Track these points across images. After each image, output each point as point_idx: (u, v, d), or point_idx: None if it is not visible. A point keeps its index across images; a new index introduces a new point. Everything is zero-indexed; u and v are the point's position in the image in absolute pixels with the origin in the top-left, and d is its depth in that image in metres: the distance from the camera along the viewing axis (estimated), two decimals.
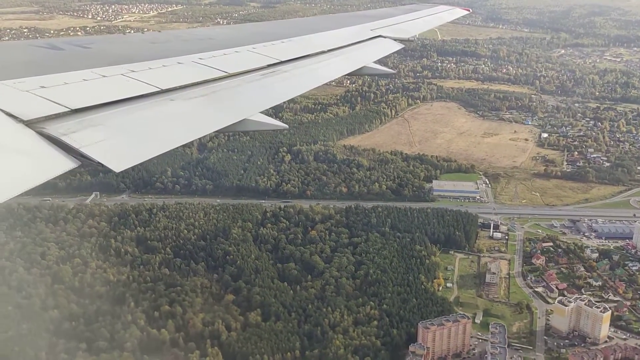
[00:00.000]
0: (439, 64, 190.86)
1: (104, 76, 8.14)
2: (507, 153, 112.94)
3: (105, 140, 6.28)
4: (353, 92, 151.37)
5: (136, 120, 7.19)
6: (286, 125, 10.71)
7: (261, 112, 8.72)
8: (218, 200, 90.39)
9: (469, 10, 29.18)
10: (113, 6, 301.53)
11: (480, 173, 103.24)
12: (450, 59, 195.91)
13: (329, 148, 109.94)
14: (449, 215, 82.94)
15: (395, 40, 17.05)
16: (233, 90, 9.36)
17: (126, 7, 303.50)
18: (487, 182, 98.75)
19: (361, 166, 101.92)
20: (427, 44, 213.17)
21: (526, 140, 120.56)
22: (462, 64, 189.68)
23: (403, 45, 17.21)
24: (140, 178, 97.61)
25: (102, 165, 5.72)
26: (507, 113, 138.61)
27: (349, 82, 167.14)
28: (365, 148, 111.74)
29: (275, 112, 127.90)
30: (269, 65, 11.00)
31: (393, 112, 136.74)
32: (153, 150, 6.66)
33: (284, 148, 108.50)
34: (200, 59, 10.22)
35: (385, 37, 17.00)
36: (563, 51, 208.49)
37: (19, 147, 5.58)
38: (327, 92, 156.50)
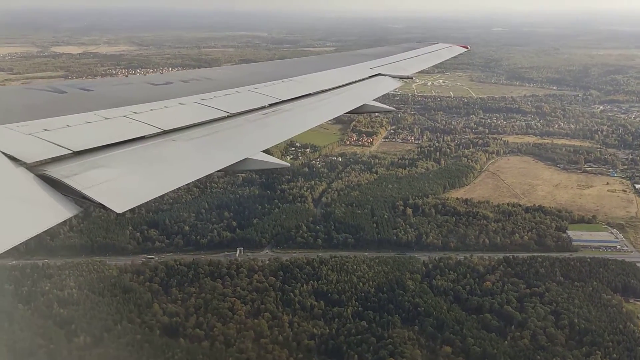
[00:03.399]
0: (488, 120, 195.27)
1: (107, 118, 8.29)
2: (615, 204, 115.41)
3: (107, 182, 6.31)
4: (429, 148, 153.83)
5: (138, 161, 7.26)
6: (288, 164, 11.16)
7: (263, 151, 8.94)
8: (366, 254, 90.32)
9: (467, 48, 29.31)
10: (138, 70, 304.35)
11: (603, 223, 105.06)
12: (498, 115, 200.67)
13: (444, 201, 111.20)
14: (612, 264, 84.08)
15: (394, 78, 17.65)
16: (235, 130, 9.47)
17: (151, 70, 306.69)
18: (618, 232, 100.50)
19: (487, 218, 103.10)
20: (467, 102, 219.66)
21: (624, 191, 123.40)
22: (511, 120, 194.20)
23: (402, 83, 17.87)
24: (279, 233, 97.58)
25: (104, 206, 5.77)
26: (586, 166, 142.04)
27: (413, 138, 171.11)
28: (479, 200, 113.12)
29: (367, 168, 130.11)
30: (271, 105, 11.30)
31: (478, 166, 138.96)
32: (156, 190, 6.71)
33: (400, 202, 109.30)
34: (202, 99, 10.46)
35: (384, 75, 17.60)
36: (602, 107, 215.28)
37: (20, 192, 5.57)
38: (398, 148, 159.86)
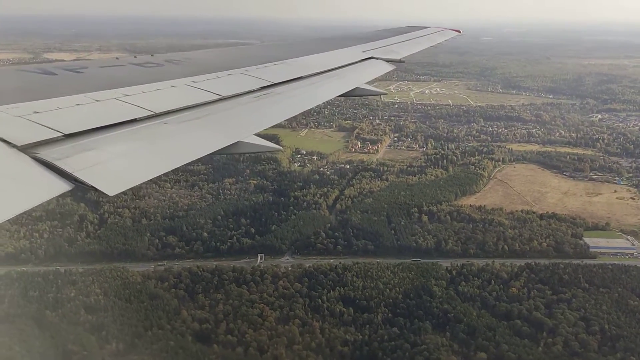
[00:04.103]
0: (490, 128, 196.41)
1: (97, 100, 8.25)
2: (625, 211, 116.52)
3: (99, 165, 6.31)
4: (435, 155, 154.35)
5: (130, 144, 7.26)
6: (280, 147, 11.18)
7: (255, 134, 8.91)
8: (379, 260, 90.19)
9: (459, 32, 29.17)
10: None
11: (617, 230, 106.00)
12: (499, 123, 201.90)
13: (458, 208, 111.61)
14: (633, 270, 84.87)
15: (387, 61, 17.80)
16: (227, 113, 9.45)
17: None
18: (633, 239, 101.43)
19: (503, 225, 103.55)
20: (467, 110, 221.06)
21: (632, 199, 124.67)
22: (512, 128, 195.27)
23: (395, 67, 17.98)
24: (298, 239, 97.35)
25: (96, 189, 5.79)
26: (592, 174, 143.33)
27: (417, 145, 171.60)
28: (492, 208, 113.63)
29: (377, 175, 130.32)
30: (263, 88, 11.31)
31: (486, 173, 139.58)
32: (148, 173, 6.71)
33: (415, 209, 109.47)
34: (194, 82, 10.46)
35: (377, 58, 17.71)
36: (600, 116, 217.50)
37: (12, 172, 5.61)
38: (403, 155, 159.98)
